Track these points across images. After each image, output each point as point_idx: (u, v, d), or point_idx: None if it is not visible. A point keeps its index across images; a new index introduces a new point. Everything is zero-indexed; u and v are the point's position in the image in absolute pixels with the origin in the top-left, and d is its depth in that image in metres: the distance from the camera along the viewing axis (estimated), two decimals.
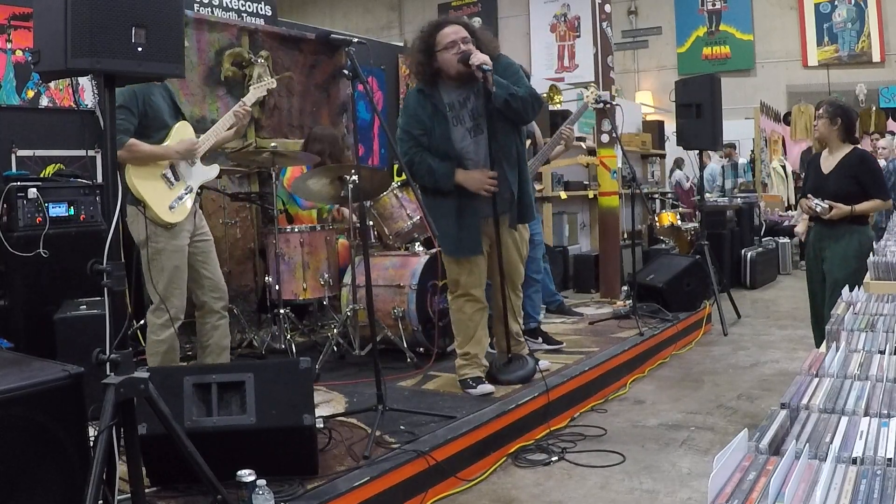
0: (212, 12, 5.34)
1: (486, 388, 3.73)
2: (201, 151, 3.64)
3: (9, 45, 4.28)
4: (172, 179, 3.52)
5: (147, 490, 2.35)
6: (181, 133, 3.58)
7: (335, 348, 4.41)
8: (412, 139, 3.67)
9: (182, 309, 3.54)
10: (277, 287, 4.44)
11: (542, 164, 5.21)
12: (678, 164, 11.88)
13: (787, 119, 13.10)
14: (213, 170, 3.77)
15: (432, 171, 3.63)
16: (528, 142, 4.95)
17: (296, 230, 4.61)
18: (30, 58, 2.92)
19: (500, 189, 3.65)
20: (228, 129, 3.79)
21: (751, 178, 11.14)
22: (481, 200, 3.67)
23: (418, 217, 4.69)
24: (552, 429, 3.72)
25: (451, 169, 3.63)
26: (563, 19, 15.72)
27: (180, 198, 3.51)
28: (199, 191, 3.68)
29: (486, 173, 3.61)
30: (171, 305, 3.45)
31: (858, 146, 3.98)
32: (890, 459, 1.11)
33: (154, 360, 3.47)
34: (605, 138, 6.79)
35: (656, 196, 9.39)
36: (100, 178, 4.38)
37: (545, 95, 5.83)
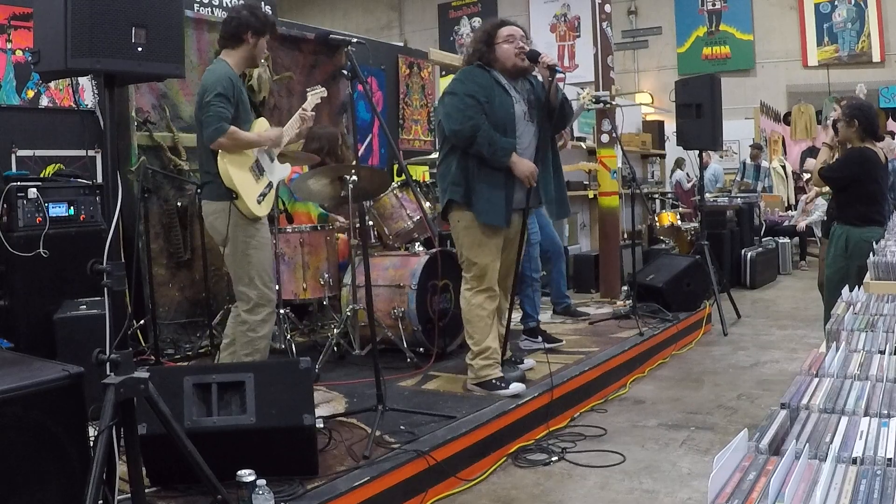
0: (212, 12, 5.34)
1: (519, 386, 3.66)
2: (282, 146, 3.70)
3: (9, 45, 4.28)
4: (258, 173, 3.51)
5: (147, 490, 2.35)
6: (261, 128, 3.62)
7: (335, 348, 4.41)
8: (477, 104, 3.56)
9: (276, 300, 3.59)
10: (277, 287, 4.43)
11: None
12: (679, 164, 11.89)
13: (787, 119, 13.11)
14: (287, 168, 3.84)
15: (493, 143, 3.53)
16: None
17: (296, 230, 4.61)
18: (30, 58, 2.92)
19: (539, 184, 3.70)
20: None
21: (771, 183, 11.13)
22: (521, 187, 3.68)
23: (418, 217, 4.69)
24: (552, 429, 3.72)
25: (512, 147, 3.58)
26: (563, 19, 15.72)
27: (264, 193, 3.51)
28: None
29: (534, 167, 3.63)
30: (272, 298, 3.49)
31: (868, 146, 3.99)
32: (890, 459, 1.11)
33: (251, 359, 3.44)
34: (605, 138, 6.79)
35: (656, 196, 9.39)
36: (100, 178, 4.38)
37: None
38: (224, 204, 3.37)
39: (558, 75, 3.62)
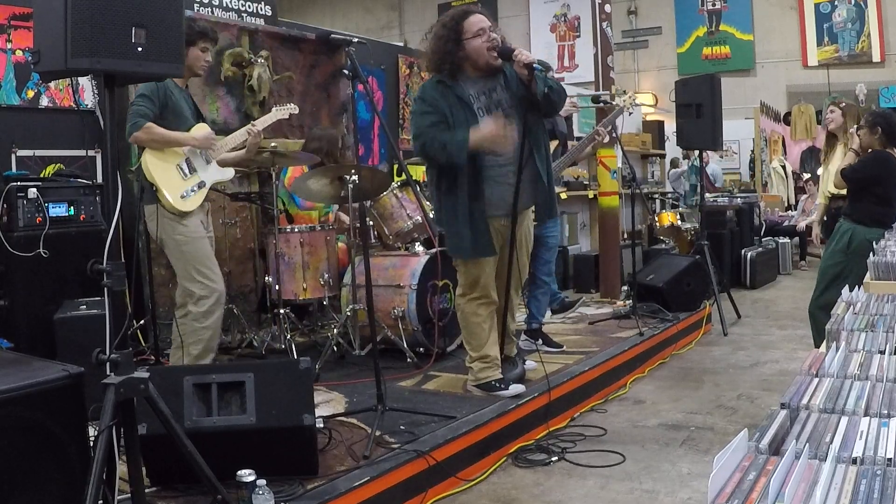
0: (212, 12, 5.34)
1: (518, 387, 3.66)
2: (216, 155, 3.73)
3: (9, 45, 4.28)
4: (186, 171, 3.58)
5: (147, 490, 2.35)
6: (200, 132, 3.66)
7: (335, 348, 4.41)
8: (429, 125, 3.46)
9: (224, 292, 3.63)
10: (277, 287, 4.44)
11: (568, 164, 5.27)
12: (674, 164, 11.89)
13: (787, 119, 13.10)
14: (228, 171, 3.88)
15: (444, 146, 3.40)
16: (556, 142, 4.95)
17: (296, 230, 4.60)
18: (30, 58, 2.92)
19: (526, 185, 3.54)
20: (239, 147, 3.89)
21: (694, 182, 11.15)
22: (494, 200, 3.54)
23: (418, 217, 4.69)
24: (552, 429, 3.72)
25: (464, 137, 3.38)
26: (563, 19, 15.71)
27: (192, 190, 3.56)
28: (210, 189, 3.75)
29: (497, 121, 3.42)
30: (216, 289, 3.54)
31: (890, 151, 4.08)
32: (890, 459, 1.11)
33: (196, 348, 3.51)
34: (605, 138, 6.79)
35: (656, 196, 9.39)
36: (100, 178, 4.38)
37: None
38: (154, 206, 3.48)
39: (537, 71, 3.36)
